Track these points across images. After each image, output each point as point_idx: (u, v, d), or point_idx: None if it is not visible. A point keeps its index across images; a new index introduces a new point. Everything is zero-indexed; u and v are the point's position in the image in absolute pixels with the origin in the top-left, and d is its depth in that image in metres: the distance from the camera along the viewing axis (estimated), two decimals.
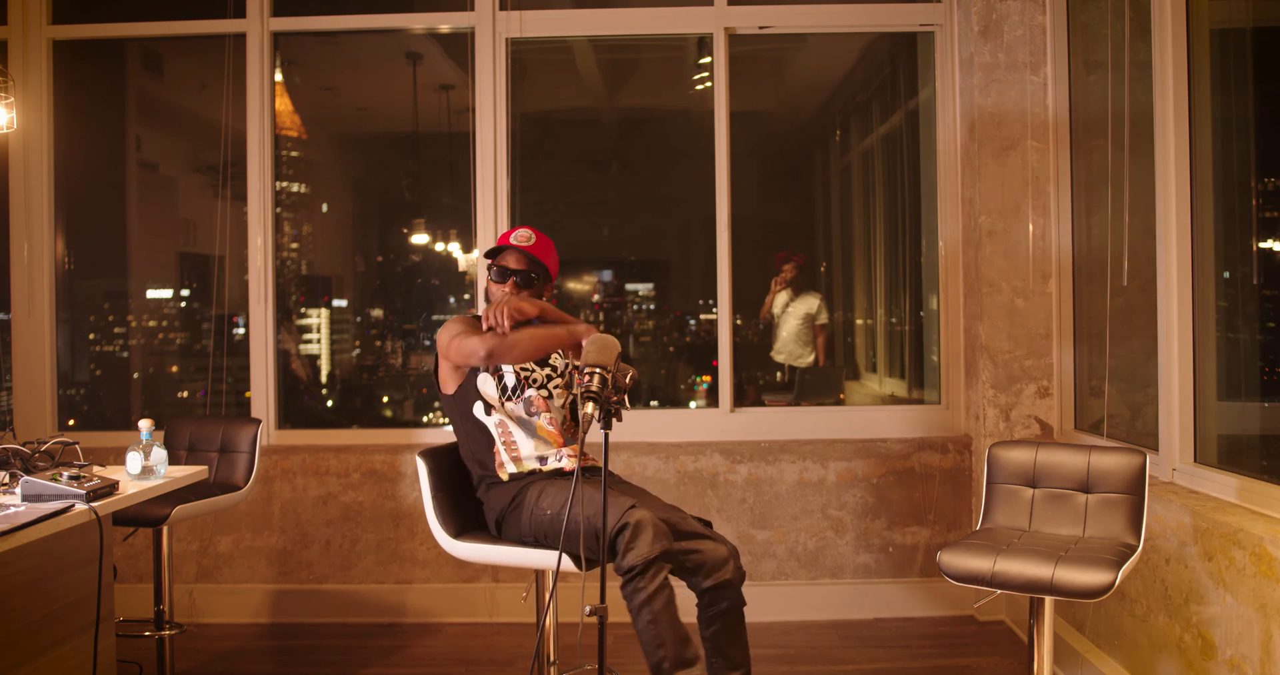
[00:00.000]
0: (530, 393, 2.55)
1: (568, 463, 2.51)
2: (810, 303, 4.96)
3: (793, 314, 4.97)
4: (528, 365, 2.58)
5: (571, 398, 2.64)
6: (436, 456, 2.58)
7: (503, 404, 2.53)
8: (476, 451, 2.55)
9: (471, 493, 2.58)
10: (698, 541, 2.37)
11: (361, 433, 3.93)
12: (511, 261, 2.59)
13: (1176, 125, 2.66)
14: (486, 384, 2.54)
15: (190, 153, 5.00)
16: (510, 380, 2.55)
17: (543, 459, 2.51)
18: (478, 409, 2.54)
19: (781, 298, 4.96)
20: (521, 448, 2.52)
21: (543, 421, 2.54)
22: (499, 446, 2.52)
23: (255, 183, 3.82)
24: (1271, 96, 2.67)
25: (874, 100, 4.94)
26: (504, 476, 2.50)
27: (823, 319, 5.01)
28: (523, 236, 2.60)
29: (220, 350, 4.05)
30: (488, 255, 2.65)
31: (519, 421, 2.53)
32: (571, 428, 2.60)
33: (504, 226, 3.80)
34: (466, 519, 2.57)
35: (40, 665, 2.24)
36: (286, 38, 3.99)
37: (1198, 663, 2.39)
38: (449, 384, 2.57)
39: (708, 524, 2.46)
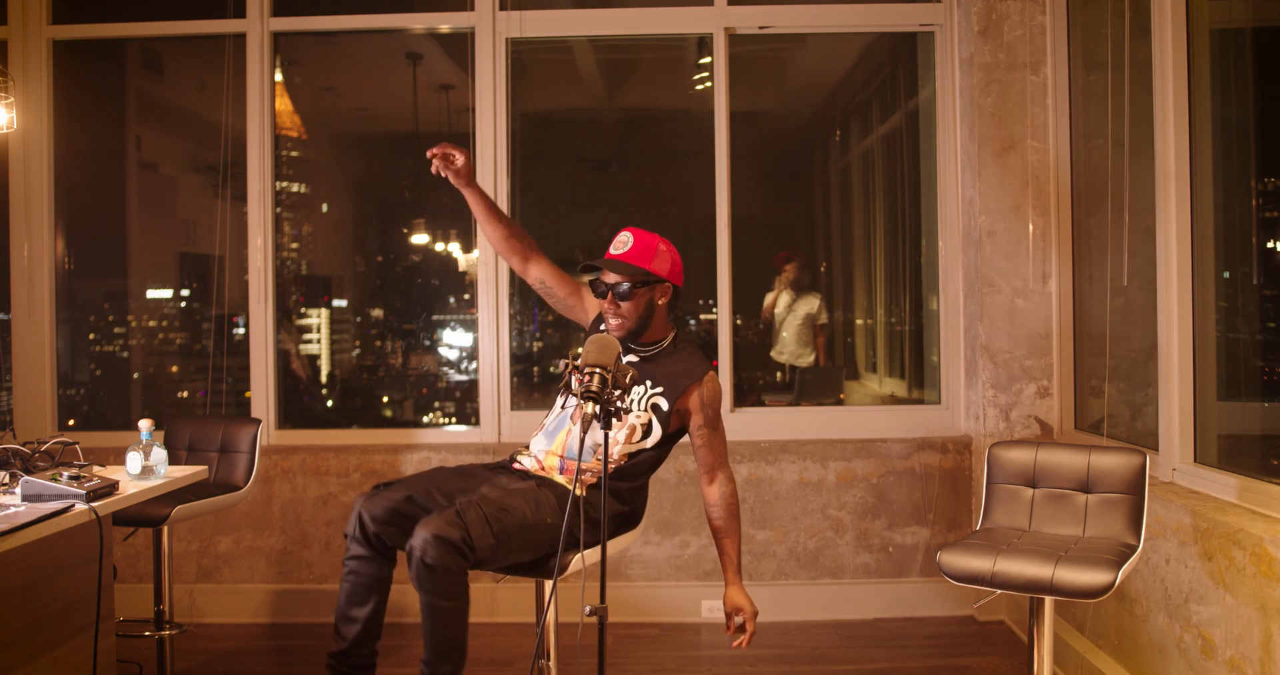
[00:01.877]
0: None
1: (528, 463, 2.47)
2: (811, 303, 4.96)
3: (794, 314, 4.96)
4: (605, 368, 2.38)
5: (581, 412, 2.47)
6: None
7: (569, 396, 2.49)
8: None
9: None
10: (421, 512, 2.25)
11: (361, 433, 3.93)
12: (608, 276, 2.41)
13: (1176, 125, 2.66)
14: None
15: (190, 153, 4.99)
16: (584, 375, 2.49)
17: (533, 453, 2.49)
18: None
19: (784, 298, 4.96)
20: (535, 441, 2.50)
21: (563, 430, 2.46)
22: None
23: (255, 183, 3.82)
24: (1271, 96, 2.67)
25: (874, 100, 4.93)
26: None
27: (823, 319, 5.01)
28: (620, 242, 2.42)
29: (220, 350, 4.05)
30: (583, 270, 2.49)
31: (564, 417, 2.47)
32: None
33: None
34: None
35: (40, 665, 2.24)
36: (286, 38, 3.99)
37: (1198, 663, 2.39)
38: None
39: (463, 514, 2.13)
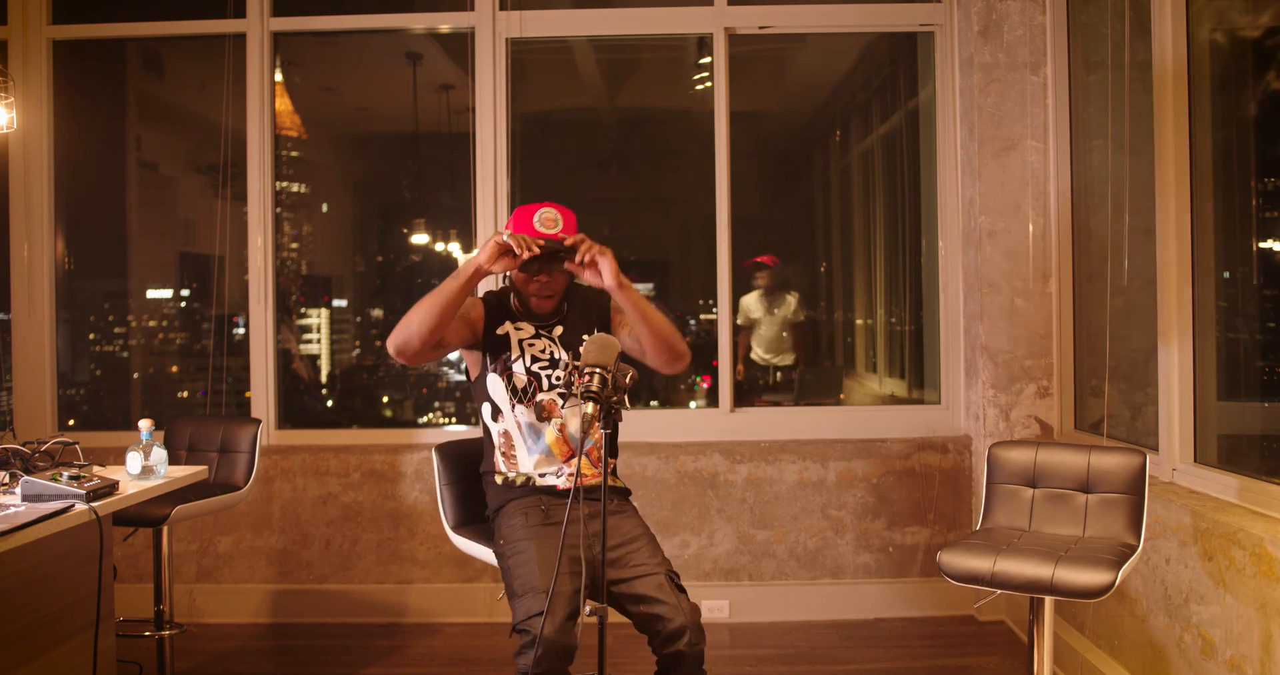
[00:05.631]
0: (542, 397, 2.34)
1: (564, 481, 2.33)
2: (788, 303, 4.95)
3: (769, 314, 4.96)
4: (541, 358, 2.36)
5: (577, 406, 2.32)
6: (451, 450, 2.60)
7: (513, 408, 2.35)
8: (485, 445, 2.47)
9: (481, 488, 2.52)
10: (655, 606, 2.15)
11: (361, 433, 3.93)
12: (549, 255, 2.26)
13: (1176, 125, 2.66)
14: (496, 387, 2.36)
15: (190, 153, 4.99)
16: (521, 381, 2.34)
17: (542, 474, 2.34)
18: (485, 411, 2.40)
19: (757, 299, 4.96)
20: (521, 462, 2.36)
21: (552, 430, 2.35)
22: (497, 455, 2.39)
23: (255, 183, 3.82)
24: (1272, 97, 2.67)
25: (874, 100, 4.93)
26: (498, 479, 2.39)
27: (799, 318, 5.00)
28: (549, 220, 2.27)
29: (220, 350, 4.05)
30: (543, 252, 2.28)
31: (528, 428, 2.34)
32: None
33: (504, 226, 3.78)
34: (471, 513, 2.57)
35: (40, 665, 2.24)
36: (286, 38, 3.99)
37: (1198, 663, 2.39)
38: (470, 369, 2.45)
39: (679, 586, 2.20)
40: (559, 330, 2.42)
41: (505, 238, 2.18)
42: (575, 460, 2.29)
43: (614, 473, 2.42)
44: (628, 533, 2.28)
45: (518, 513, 2.30)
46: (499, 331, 2.40)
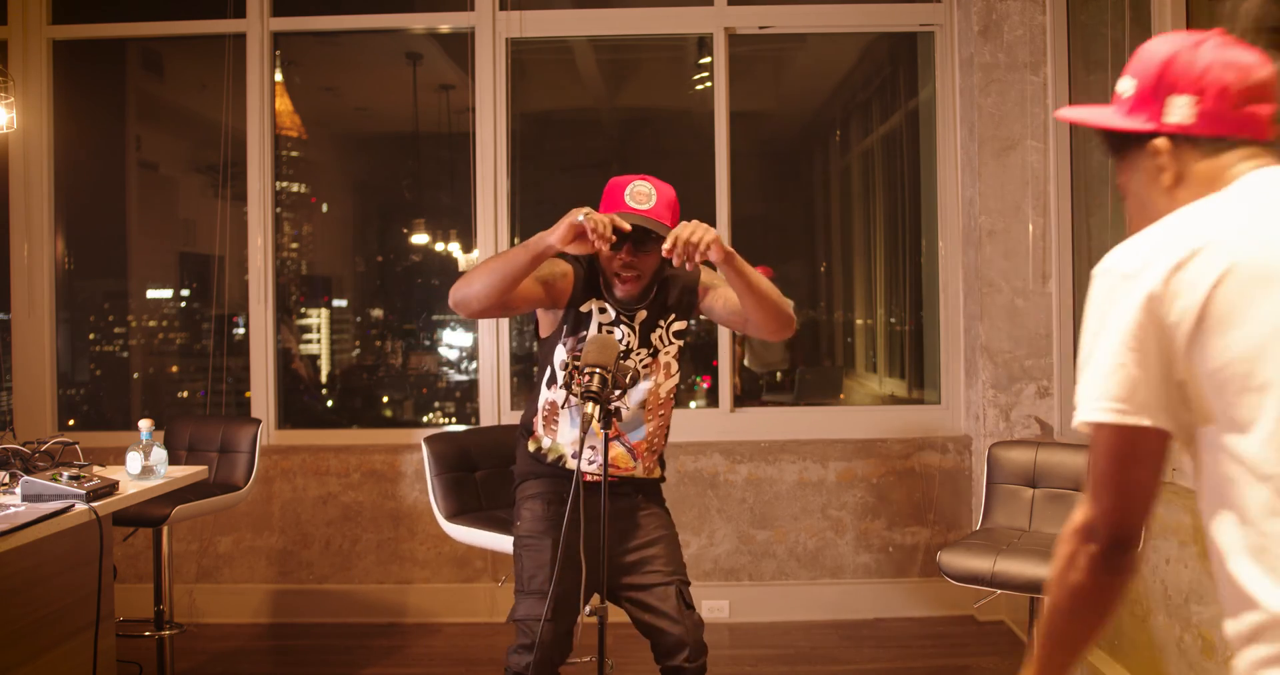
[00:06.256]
0: None
1: (596, 468, 2.18)
2: None
3: None
4: (605, 368, 2.15)
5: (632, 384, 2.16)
6: (440, 442, 2.58)
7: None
8: (529, 404, 2.35)
9: (472, 479, 2.50)
10: (658, 618, 2.14)
11: (361, 433, 3.93)
12: (637, 230, 2.07)
13: None
14: (561, 359, 2.22)
15: (190, 153, 4.99)
16: None
17: (575, 454, 2.22)
18: (546, 376, 2.28)
19: None
20: (561, 432, 2.24)
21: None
22: (539, 417, 2.27)
23: (255, 183, 3.82)
24: None
25: (874, 100, 4.93)
26: (530, 446, 2.29)
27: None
28: (640, 194, 2.08)
29: (220, 350, 4.05)
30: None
31: (576, 404, 2.21)
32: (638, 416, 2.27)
33: (504, 226, 3.79)
34: (463, 502, 2.57)
35: (40, 665, 2.24)
36: (286, 38, 3.99)
37: (1198, 663, 2.39)
38: (541, 326, 2.31)
39: (687, 601, 2.18)
40: (642, 315, 2.25)
41: (580, 219, 1.96)
42: (612, 444, 2.20)
43: (660, 462, 2.35)
44: (649, 534, 2.24)
45: (540, 498, 2.25)
46: (582, 308, 2.23)
